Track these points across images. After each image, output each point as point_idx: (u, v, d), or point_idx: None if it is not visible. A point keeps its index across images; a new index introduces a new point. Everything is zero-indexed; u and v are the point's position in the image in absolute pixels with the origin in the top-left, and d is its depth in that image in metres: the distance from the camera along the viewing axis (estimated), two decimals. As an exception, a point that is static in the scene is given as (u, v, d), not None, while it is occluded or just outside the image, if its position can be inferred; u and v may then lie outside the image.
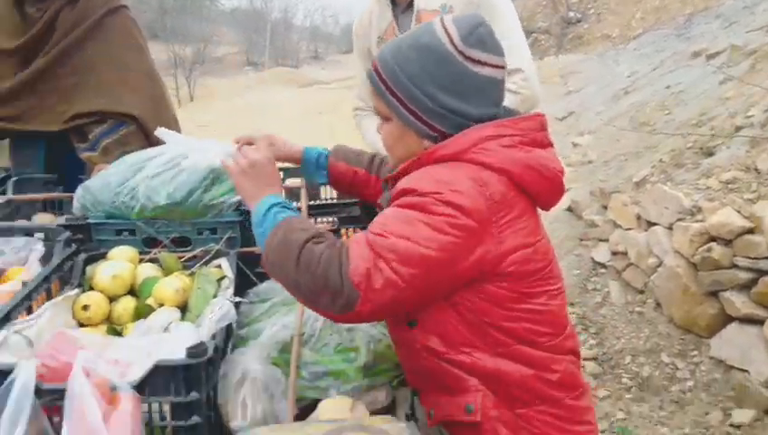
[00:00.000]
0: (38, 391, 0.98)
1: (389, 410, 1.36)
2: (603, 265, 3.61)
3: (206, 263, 1.67)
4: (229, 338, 1.44)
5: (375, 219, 1.20)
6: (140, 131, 2.42)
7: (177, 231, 1.72)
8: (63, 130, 2.41)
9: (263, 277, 1.73)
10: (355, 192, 1.70)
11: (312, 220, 1.81)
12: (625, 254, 3.47)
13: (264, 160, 1.36)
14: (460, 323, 1.21)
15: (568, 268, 3.73)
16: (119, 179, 1.74)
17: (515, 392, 1.24)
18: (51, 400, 0.97)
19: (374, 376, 1.43)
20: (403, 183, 1.21)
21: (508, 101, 2.43)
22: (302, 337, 1.43)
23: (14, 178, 2.18)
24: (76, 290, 1.49)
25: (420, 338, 1.25)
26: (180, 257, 1.67)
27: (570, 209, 4.31)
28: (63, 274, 1.51)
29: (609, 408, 2.75)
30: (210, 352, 1.10)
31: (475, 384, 1.23)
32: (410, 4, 2.14)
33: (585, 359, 3.13)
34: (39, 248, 1.56)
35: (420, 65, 1.20)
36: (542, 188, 1.25)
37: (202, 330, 1.27)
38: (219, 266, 1.65)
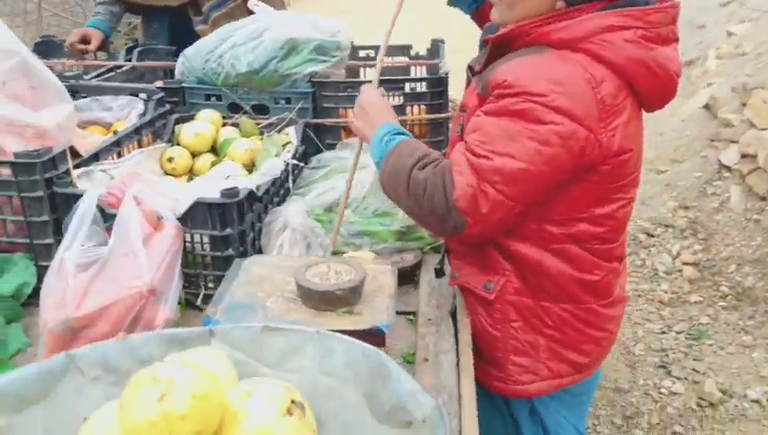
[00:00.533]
0: (104, 216, 1.23)
1: (415, 268, 1.48)
2: (728, 169, 3.32)
3: (280, 130, 1.84)
4: (286, 195, 1.62)
5: (474, 129, 1.15)
6: (245, 5, 2.57)
7: (256, 99, 1.89)
8: (183, 5, 2.64)
9: (330, 147, 1.88)
10: None
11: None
12: (754, 157, 3.14)
13: (369, 99, 1.34)
14: (524, 216, 1.20)
15: (690, 170, 3.47)
16: (209, 47, 1.92)
17: (547, 286, 1.26)
18: (112, 224, 1.20)
19: (407, 241, 1.54)
20: (506, 73, 1.13)
21: None
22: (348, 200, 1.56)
23: (138, 48, 2.47)
24: (165, 144, 1.74)
25: None
26: (258, 124, 1.86)
27: (706, 107, 3.91)
28: (156, 129, 1.76)
29: (696, 313, 2.65)
30: (241, 195, 1.27)
31: (505, 268, 1.27)
32: None
33: (685, 263, 2.99)
34: (140, 107, 1.81)
35: None
36: (654, 91, 1.19)
37: (251, 181, 1.45)
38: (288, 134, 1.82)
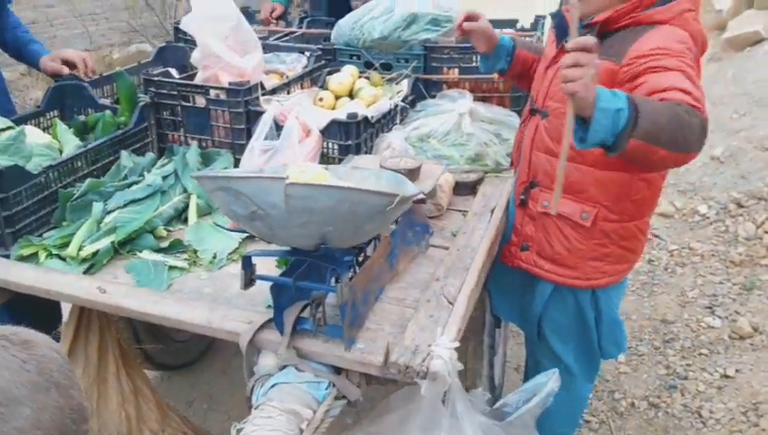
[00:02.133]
0: (276, 126, 1.98)
1: (476, 183, 2.08)
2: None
3: (398, 82, 2.51)
4: (393, 126, 2.29)
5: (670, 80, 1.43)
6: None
7: (384, 58, 2.57)
8: (343, -17, 3.38)
9: (433, 96, 2.50)
10: (525, 79, 2.05)
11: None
12: None
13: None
14: None
15: (798, 149, 3.60)
16: (354, 19, 2.62)
17: (630, 209, 1.75)
18: (281, 131, 1.95)
19: (474, 165, 2.15)
20: (649, 46, 1.51)
21: None
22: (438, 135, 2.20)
23: (307, 19, 3.25)
24: (318, 88, 2.47)
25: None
26: (383, 77, 2.53)
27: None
28: (314, 77, 2.50)
29: (760, 272, 2.92)
30: (359, 117, 1.95)
31: (598, 200, 1.74)
32: None
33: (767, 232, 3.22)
34: (304, 61, 2.56)
35: None
36: (703, 52, 1.66)
37: (368, 112, 2.13)
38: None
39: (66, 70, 2.14)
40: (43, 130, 2.05)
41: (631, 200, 1.76)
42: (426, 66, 2.52)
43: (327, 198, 1.02)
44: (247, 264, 1.26)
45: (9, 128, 1.86)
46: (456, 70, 2.50)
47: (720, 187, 3.68)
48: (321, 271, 1.29)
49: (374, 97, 2.38)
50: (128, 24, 12.16)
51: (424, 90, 2.51)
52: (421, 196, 1.48)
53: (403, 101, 2.32)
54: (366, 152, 2.09)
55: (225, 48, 2.13)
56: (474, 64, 2.48)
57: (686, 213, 3.65)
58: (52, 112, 2.14)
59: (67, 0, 11.88)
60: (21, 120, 2.00)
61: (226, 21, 2.14)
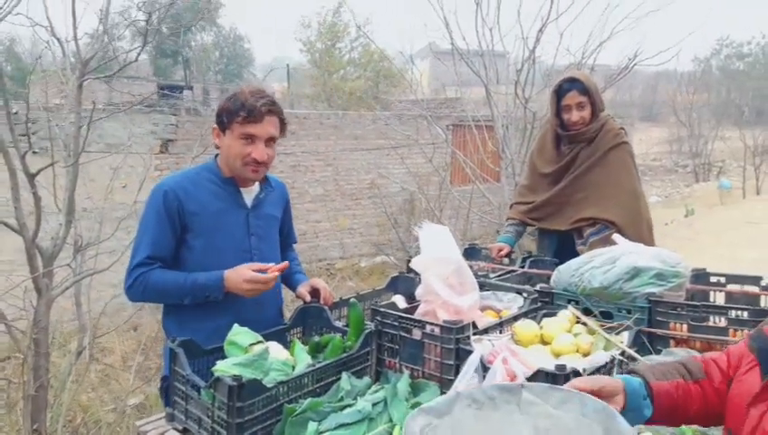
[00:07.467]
0: (484, 367, 2.02)
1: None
2: None
3: (618, 333, 2.42)
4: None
5: None
6: (619, 233, 3.28)
7: (604, 307, 2.53)
8: (568, 230, 3.51)
9: (658, 352, 2.34)
10: (680, 412, 1.58)
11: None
12: None
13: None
14: None
15: None
16: (575, 266, 2.67)
17: None
18: (487, 372, 1.99)
19: (704, 437, 1.89)
20: None
21: None
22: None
23: (530, 259, 3.39)
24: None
25: None
26: (602, 325, 2.47)
27: None
28: (529, 318, 2.54)
29: None
30: (567, 370, 1.90)
31: None
32: None
33: None
34: (520, 302, 2.64)
35: None
36: None
37: (581, 364, 2.06)
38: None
39: (308, 297, 2.53)
40: (289, 342, 2.39)
41: None
42: (650, 319, 2.41)
43: None
44: None
45: (259, 342, 2.20)
46: (685, 326, 2.34)
47: None
48: None
49: (590, 346, 2.31)
50: (377, 238, 14.01)
51: (648, 344, 2.37)
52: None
53: (621, 354, 2.21)
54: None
55: (445, 287, 2.31)
56: (706, 324, 2.31)
57: None
58: (295, 329, 2.49)
59: (332, 218, 14.16)
60: (272, 335, 2.35)
61: (449, 264, 2.36)
